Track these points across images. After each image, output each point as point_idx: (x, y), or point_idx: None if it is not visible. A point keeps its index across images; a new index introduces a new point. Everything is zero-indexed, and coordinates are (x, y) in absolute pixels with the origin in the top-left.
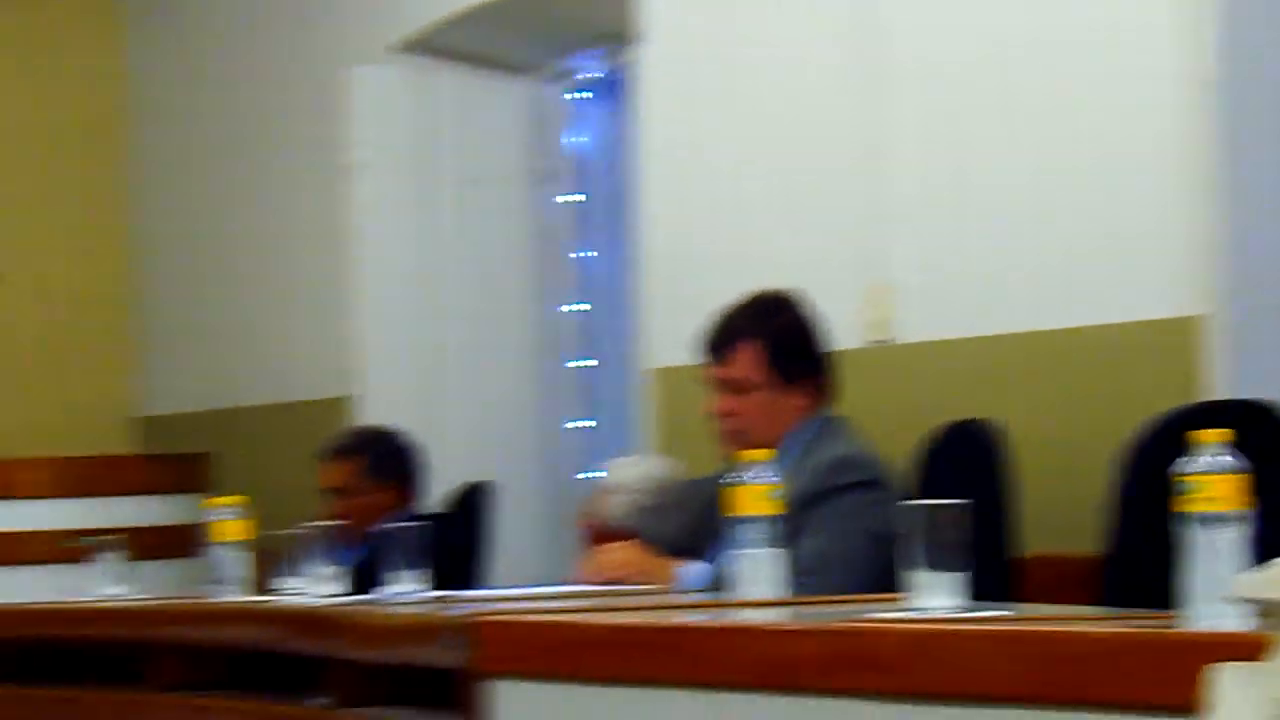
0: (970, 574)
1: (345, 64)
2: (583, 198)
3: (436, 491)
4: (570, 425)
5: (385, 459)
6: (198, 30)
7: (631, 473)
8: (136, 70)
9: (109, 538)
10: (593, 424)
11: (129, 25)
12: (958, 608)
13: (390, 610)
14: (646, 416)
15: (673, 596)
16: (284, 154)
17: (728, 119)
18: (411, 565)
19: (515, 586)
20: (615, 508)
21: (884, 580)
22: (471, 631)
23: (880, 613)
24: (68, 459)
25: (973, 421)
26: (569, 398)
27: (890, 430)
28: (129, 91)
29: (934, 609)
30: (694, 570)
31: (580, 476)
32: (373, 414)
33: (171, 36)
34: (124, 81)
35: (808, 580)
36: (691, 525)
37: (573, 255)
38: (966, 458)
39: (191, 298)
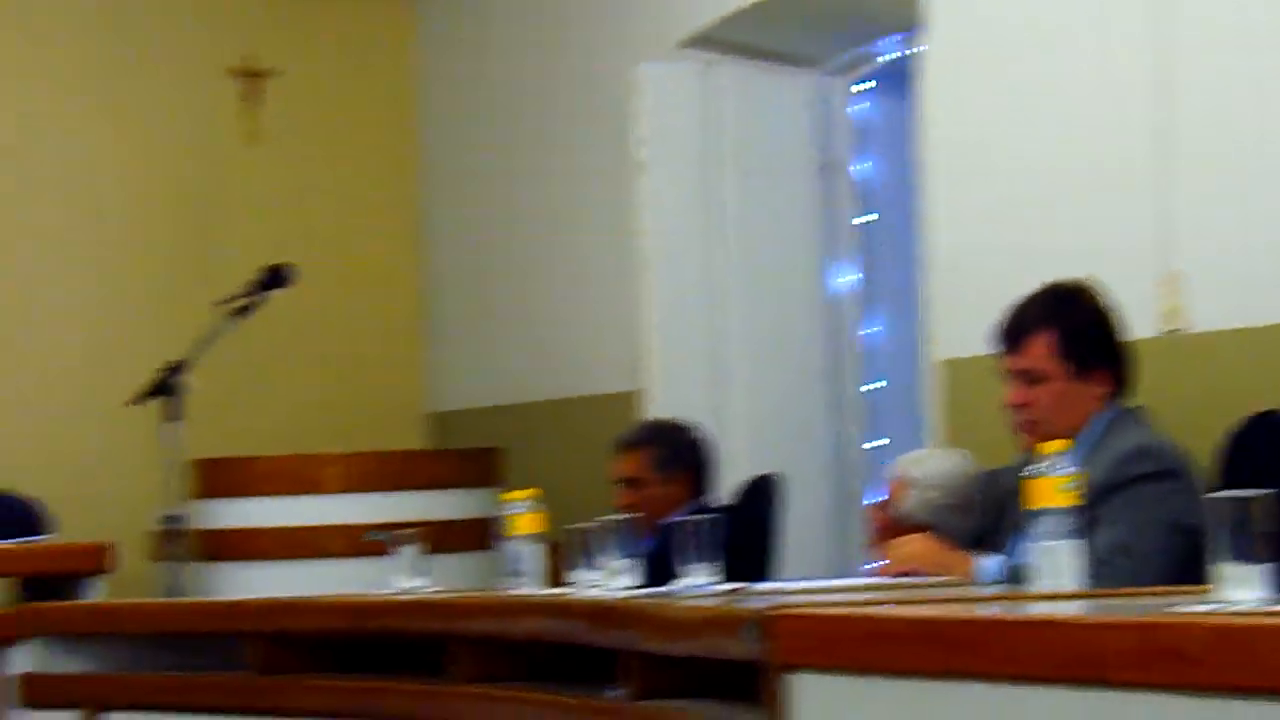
0: (1277, 566)
1: (633, 60)
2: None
3: (725, 483)
4: (857, 418)
5: (676, 451)
6: (489, 29)
7: (925, 466)
8: (429, 68)
9: (407, 531)
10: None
11: (421, 24)
12: (1265, 600)
13: (685, 603)
14: (934, 408)
15: (969, 589)
16: (574, 150)
17: (1014, 105)
18: (704, 557)
19: (804, 579)
20: (909, 501)
21: (1182, 571)
22: (769, 624)
23: (1185, 605)
24: (366, 454)
25: (1277, 411)
26: (856, 390)
27: (1187, 420)
28: (422, 90)
29: (1240, 601)
30: (989, 563)
31: (869, 469)
32: (662, 407)
33: (463, 35)
34: (416, 80)
35: (1105, 571)
36: (986, 518)
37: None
38: (1271, 448)
39: (483, 295)
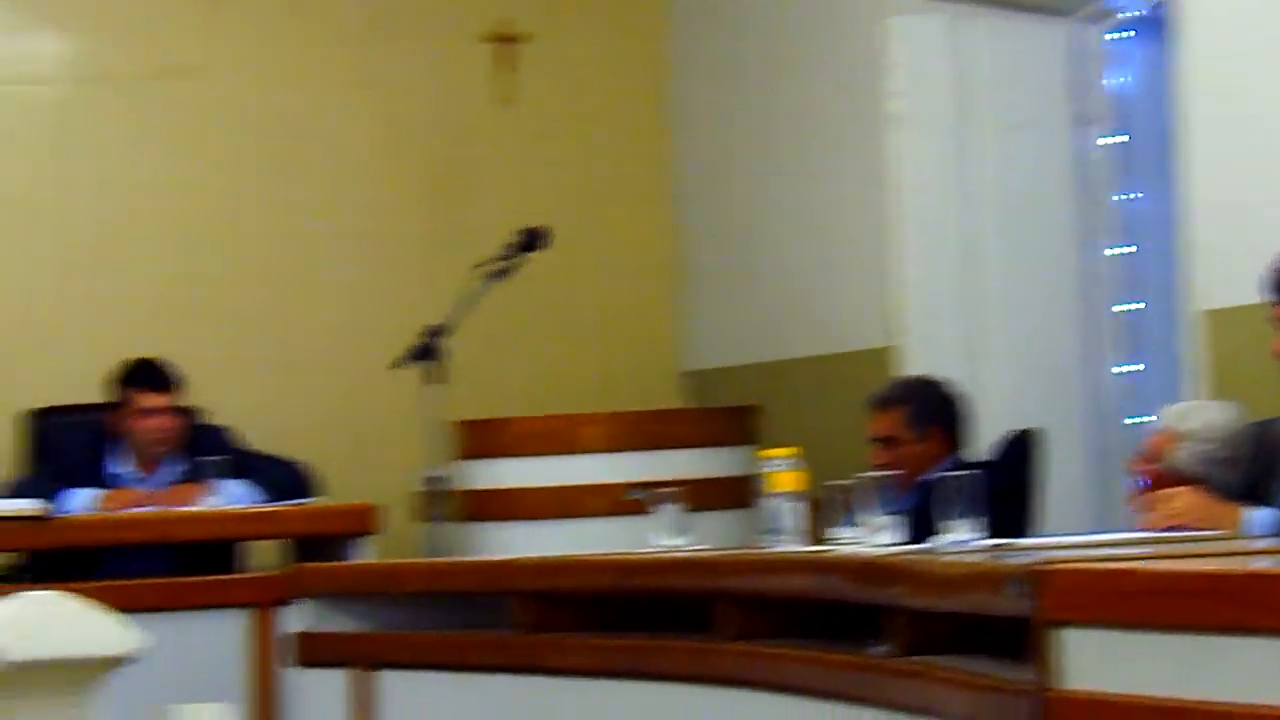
0: None
1: (884, 13)
2: (1125, 138)
3: (984, 439)
4: (1116, 370)
5: (929, 408)
6: None
7: (1193, 418)
8: (680, 27)
9: (667, 490)
10: (1139, 368)
11: None
12: None
13: (948, 559)
14: (1196, 359)
15: (1240, 543)
16: (825, 105)
17: (1275, 51)
18: (965, 513)
19: (1067, 534)
20: (1178, 455)
21: None
22: (1036, 579)
23: None
24: (625, 414)
25: None
26: (1114, 342)
27: None
28: (673, 49)
29: None
30: (1260, 516)
31: (1128, 422)
32: (917, 363)
33: None
34: (667, 39)
35: None
36: (1257, 471)
37: (1116, 197)
38: None
39: (737, 252)
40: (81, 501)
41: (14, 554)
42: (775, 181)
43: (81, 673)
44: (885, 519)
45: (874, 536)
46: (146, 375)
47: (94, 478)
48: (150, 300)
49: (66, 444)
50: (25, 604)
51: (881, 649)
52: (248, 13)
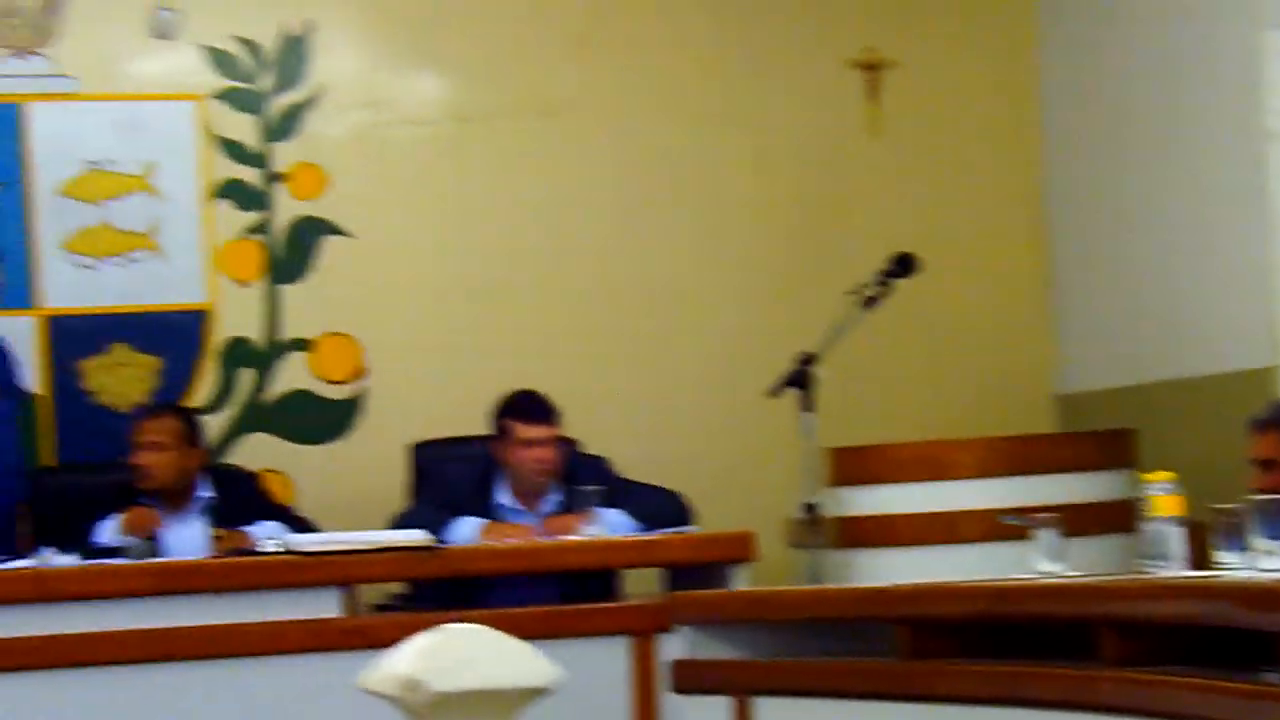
0: None
1: (1260, 27)
2: None
3: None
4: None
5: None
6: (1107, 4)
7: None
8: (1048, 48)
9: (1044, 515)
10: None
11: (1039, 4)
12: None
13: None
14: None
15: None
16: (1200, 120)
17: None
18: None
19: None
20: None
21: None
22: None
23: None
24: (1000, 439)
25: None
26: None
27: None
28: (1041, 70)
29: None
30: None
31: None
32: None
33: (1082, 13)
34: (1036, 60)
35: None
36: None
37: None
38: None
39: (1108, 274)
40: (466, 531)
41: (401, 582)
42: (1149, 200)
43: (503, 704)
44: (1275, 543)
45: (1263, 561)
46: (527, 407)
47: (478, 508)
48: (527, 332)
49: (451, 475)
50: (447, 636)
51: (1275, 676)
52: (617, 48)
